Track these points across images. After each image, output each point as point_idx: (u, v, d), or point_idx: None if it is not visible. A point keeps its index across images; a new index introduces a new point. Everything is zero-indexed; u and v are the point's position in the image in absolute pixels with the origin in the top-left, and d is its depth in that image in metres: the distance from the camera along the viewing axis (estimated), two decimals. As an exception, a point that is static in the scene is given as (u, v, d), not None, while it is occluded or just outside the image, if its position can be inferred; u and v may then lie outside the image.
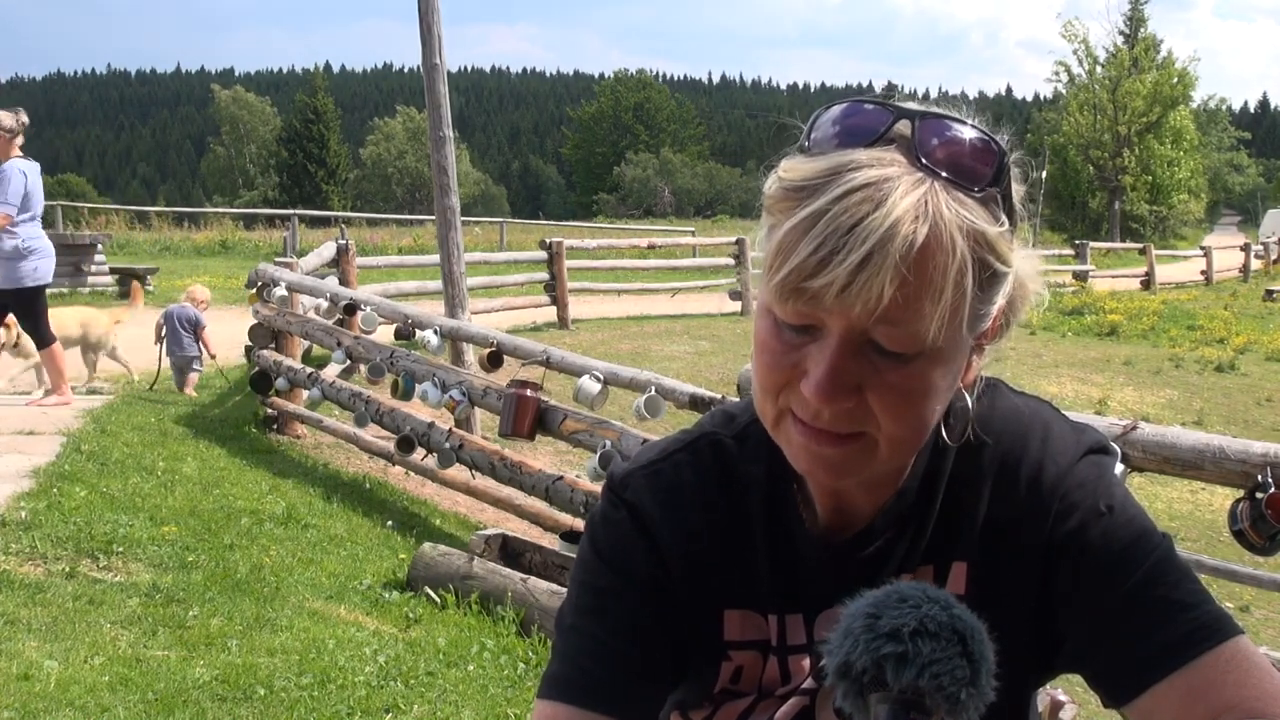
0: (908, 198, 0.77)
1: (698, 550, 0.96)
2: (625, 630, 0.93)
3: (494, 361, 5.64)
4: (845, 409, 0.81)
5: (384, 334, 6.69)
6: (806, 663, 0.96)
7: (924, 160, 0.80)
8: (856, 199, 0.77)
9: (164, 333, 8.24)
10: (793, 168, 0.82)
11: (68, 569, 4.12)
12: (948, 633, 0.70)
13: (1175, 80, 43.86)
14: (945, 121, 0.83)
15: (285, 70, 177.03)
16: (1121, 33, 46.26)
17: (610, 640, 0.93)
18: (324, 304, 7.64)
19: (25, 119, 6.68)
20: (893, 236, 0.76)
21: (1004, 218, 0.83)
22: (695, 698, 1.00)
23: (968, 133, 0.83)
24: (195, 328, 8.21)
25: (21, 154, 6.61)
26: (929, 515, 0.94)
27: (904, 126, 0.82)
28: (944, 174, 0.80)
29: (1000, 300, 0.85)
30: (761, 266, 0.84)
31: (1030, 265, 0.89)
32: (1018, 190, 0.86)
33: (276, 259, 8.20)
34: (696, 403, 4.28)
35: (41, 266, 6.71)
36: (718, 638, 0.97)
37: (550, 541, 4.92)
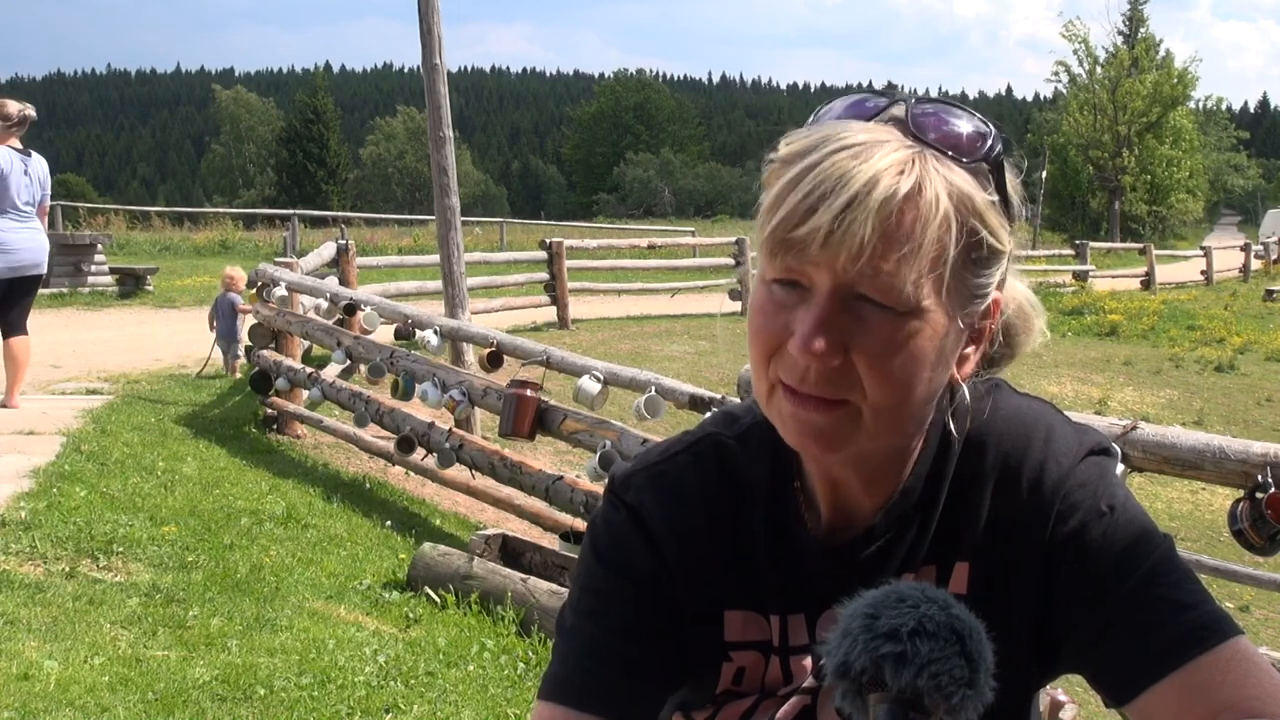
0: (894, 154, 0.81)
1: (699, 551, 0.96)
2: (625, 632, 0.93)
3: (494, 361, 5.64)
4: (831, 368, 0.82)
5: (384, 334, 6.69)
6: (809, 663, 0.96)
7: (916, 133, 0.84)
8: (845, 154, 0.81)
9: (215, 320, 8.78)
10: (789, 141, 0.85)
11: (68, 569, 4.12)
12: (946, 632, 0.70)
13: (1175, 80, 43.86)
14: (942, 106, 0.87)
15: (285, 70, 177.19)
16: (1121, 33, 46.29)
17: (610, 642, 0.93)
18: (324, 304, 7.64)
19: (31, 113, 6.69)
20: (875, 184, 0.79)
21: (994, 193, 0.85)
22: (697, 698, 1.00)
23: (962, 117, 0.87)
24: (234, 309, 8.73)
25: (20, 146, 6.60)
26: (932, 515, 0.94)
27: (899, 110, 0.86)
28: (934, 145, 0.83)
29: (995, 280, 0.87)
30: (756, 230, 0.86)
31: (1032, 296, 0.94)
32: (1013, 182, 0.88)
33: (276, 259, 8.21)
34: (696, 403, 4.28)
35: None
36: (719, 639, 0.97)
37: (550, 541, 4.92)
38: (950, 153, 0.84)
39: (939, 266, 0.81)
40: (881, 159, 0.80)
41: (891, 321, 0.81)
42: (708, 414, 4.00)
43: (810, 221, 0.79)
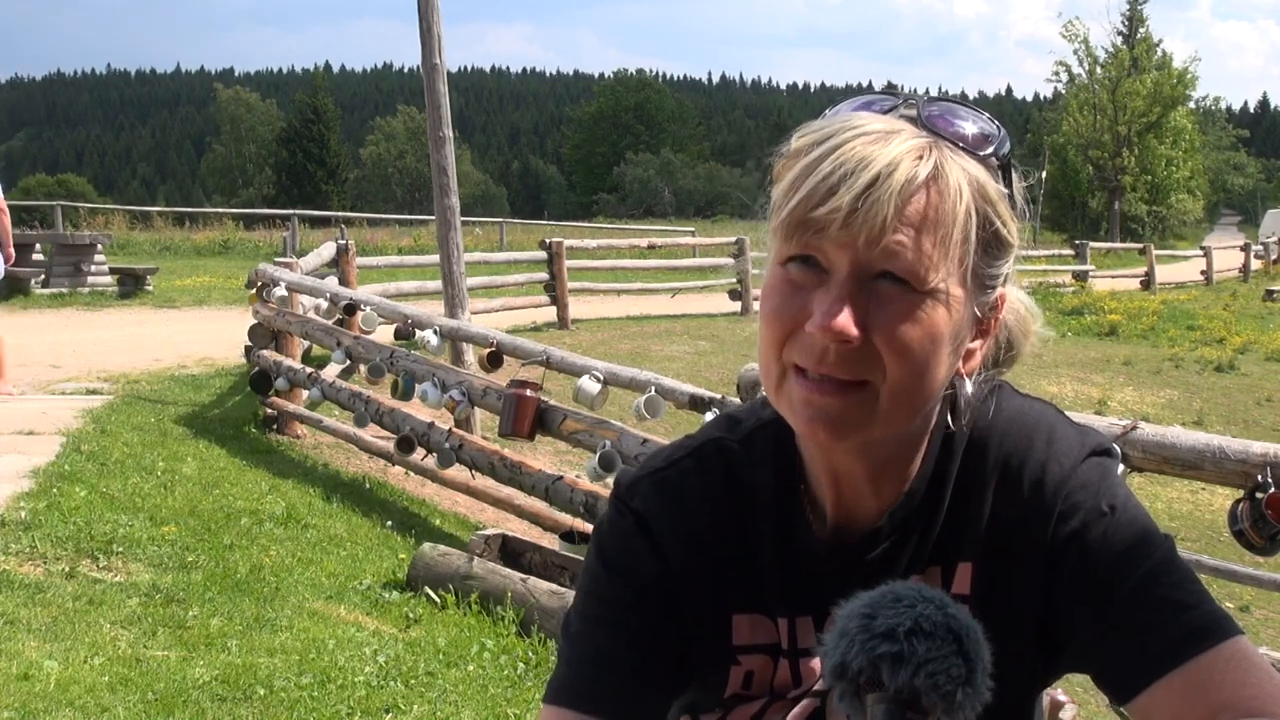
0: (913, 141, 0.83)
1: (705, 556, 0.96)
2: (630, 637, 0.94)
3: (494, 361, 5.64)
4: (851, 348, 0.82)
5: (384, 334, 6.69)
6: (817, 665, 0.96)
7: (928, 129, 0.86)
8: (864, 140, 0.82)
9: None
10: (804, 133, 0.87)
11: (68, 569, 4.12)
12: (943, 632, 0.70)
13: (1175, 81, 43.87)
14: (951, 105, 0.89)
15: (285, 70, 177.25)
16: (1120, 32, 46.30)
17: (615, 647, 0.93)
18: (324, 304, 7.64)
19: None
20: (896, 166, 0.81)
21: (1004, 187, 0.88)
22: (706, 701, 1.00)
23: (970, 118, 0.89)
24: None
25: None
26: (936, 516, 0.94)
27: (910, 110, 0.88)
28: (947, 138, 0.86)
29: (1004, 273, 0.89)
30: (768, 219, 0.87)
31: (1029, 301, 0.95)
32: (1018, 183, 0.90)
33: (276, 259, 8.21)
34: (696, 403, 4.28)
35: None
36: (726, 643, 0.97)
37: (550, 541, 4.92)
38: (964, 147, 0.86)
39: (957, 249, 0.83)
40: (900, 144, 0.82)
41: (911, 299, 0.82)
42: (709, 415, 4.00)
43: (831, 201, 0.80)
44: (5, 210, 7.08)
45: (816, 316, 0.82)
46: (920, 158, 0.82)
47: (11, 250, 7.22)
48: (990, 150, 0.87)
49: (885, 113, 0.87)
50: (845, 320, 0.81)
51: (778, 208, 0.84)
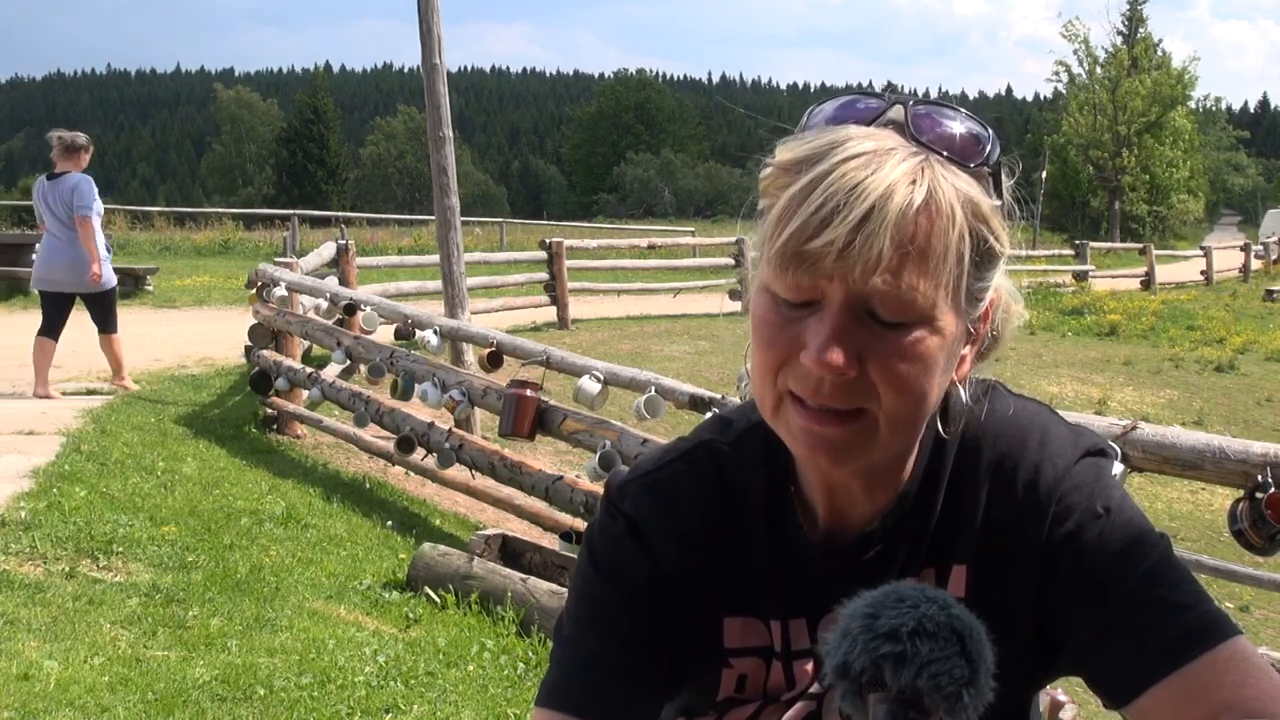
0: (905, 164, 0.80)
1: (696, 559, 0.96)
2: (621, 640, 0.94)
3: (494, 361, 5.64)
4: (846, 380, 0.81)
5: (384, 334, 6.69)
6: (811, 667, 0.96)
7: (918, 139, 0.83)
8: (856, 164, 0.79)
9: None
10: (788, 149, 0.84)
11: (68, 569, 4.12)
12: (946, 632, 0.70)
13: (1174, 81, 43.92)
14: (937, 107, 0.87)
15: (285, 70, 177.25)
16: (1120, 32, 46.34)
17: (606, 650, 0.93)
18: (324, 304, 7.64)
19: (61, 140, 7.92)
20: (891, 195, 0.78)
21: (996, 197, 0.86)
22: (700, 704, 1.00)
23: (958, 119, 0.87)
24: None
25: (57, 171, 7.78)
26: (929, 518, 0.94)
27: (897, 113, 0.85)
28: (937, 150, 0.83)
29: (994, 283, 0.87)
30: (759, 245, 0.85)
31: (1010, 285, 0.93)
32: (1007, 185, 0.89)
33: (276, 259, 8.21)
34: (696, 403, 4.28)
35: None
36: (717, 645, 0.97)
37: (550, 541, 4.92)
38: (955, 158, 0.83)
39: (951, 275, 0.81)
40: (893, 169, 0.79)
41: (905, 332, 0.81)
42: (706, 415, 4.00)
43: (824, 235, 0.78)
44: (85, 226, 7.52)
45: (811, 350, 0.80)
46: (914, 182, 0.79)
47: (97, 270, 7.60)
48: (981, 159, 0.85)
49: (872, 119, 0.85)
50: (839, 356, 0.80)
51: (770, 236, 0.82)
